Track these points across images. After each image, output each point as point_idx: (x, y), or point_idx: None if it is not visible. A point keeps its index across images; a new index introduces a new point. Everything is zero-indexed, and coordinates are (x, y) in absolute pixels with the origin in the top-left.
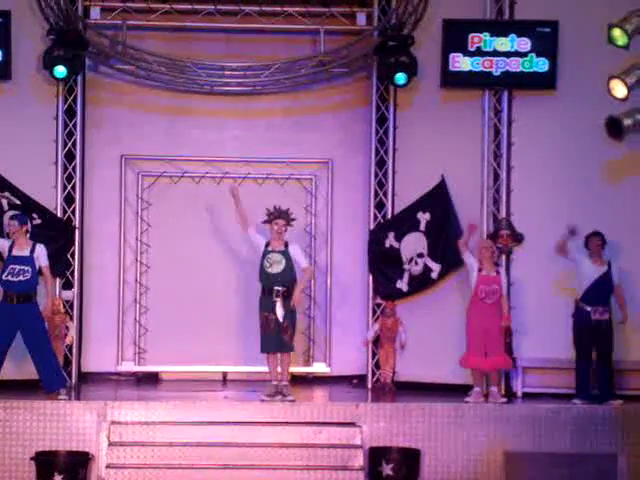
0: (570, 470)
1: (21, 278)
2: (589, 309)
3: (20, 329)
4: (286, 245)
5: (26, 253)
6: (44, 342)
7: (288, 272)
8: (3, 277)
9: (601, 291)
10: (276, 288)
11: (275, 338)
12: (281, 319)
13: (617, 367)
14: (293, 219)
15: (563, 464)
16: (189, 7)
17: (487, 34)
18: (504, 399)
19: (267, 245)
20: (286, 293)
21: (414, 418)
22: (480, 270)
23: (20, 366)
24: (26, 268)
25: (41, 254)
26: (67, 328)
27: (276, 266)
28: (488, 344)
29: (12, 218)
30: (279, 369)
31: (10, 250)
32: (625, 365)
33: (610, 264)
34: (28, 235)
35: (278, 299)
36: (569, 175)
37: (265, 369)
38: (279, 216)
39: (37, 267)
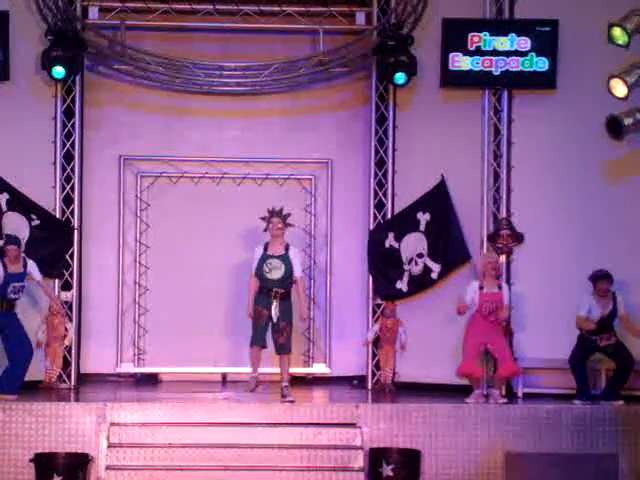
0: (571, 471)
1: (21, 294)
2: (594, 338)
3: (2, 333)
4: (286, 248)
5: (20, 269)
6: (23, 344)
7: (288, 277)
8: (8, 295)
9: (606, 324)
10: (275, 289)
11: (264, 332)
12: (275, 319)
13: None
14: (289, 217)
15: (564, 465)
16: (188, 7)
17: (487, 33)
18: (504, 400)
19: (265, 248)
20: (284, 295)
21: (414, 419)
22: (481, 288)
23: None
24: (23, 284)
25: (34, 269)
26: (66, 329)
27: (275, 272)
28: (497, 354)
29: (10, 242)
30: (271, 369)
31: (5, 267)
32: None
33: (615, 298)
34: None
35: (275, 300)
36: (569, 175)
37: (266, 370)
38: (273, 215)
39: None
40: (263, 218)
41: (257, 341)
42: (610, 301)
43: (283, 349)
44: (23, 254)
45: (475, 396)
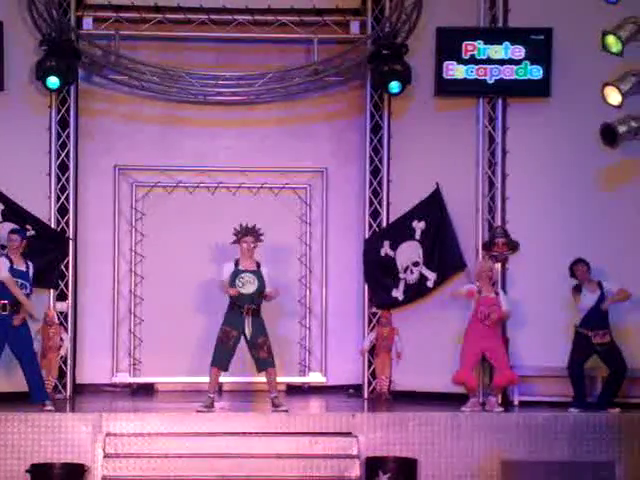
0: (567, 479)
1: (24, 292)
2: (589, 334)
3: (7, 338)
4: (258, 266)
5: (23, 268)
6: (30, 351)
7: (260, 291)
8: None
9: (599, 315)
10: (247, 306)
11: (230, 354)
12: (249, 336)
13: None
14: (261, 235)
15: (560, 473)
16: (182, 17)
17: (481, 42)
18: (501, 408)
19: (236, 264)
20: (255, 311)
21: (411, 428)
22: (479, 292)
23: (11, 378)
24: (25, 283)
25: (31, 270)
26: (61, 339)
27: (249, 286)
28: (493, 361)
29: (13, 232)
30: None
31: (10, 262)
32: (628, 373)
33: (601, 285)
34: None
35: (247, 317)
36: (564, 182)
37: (260, 379)
38: (246, 234)
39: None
40: (237, 233)
41: (219, 362)
42: (597, 288)
43: (267, 364)
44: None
45: (471, 404)
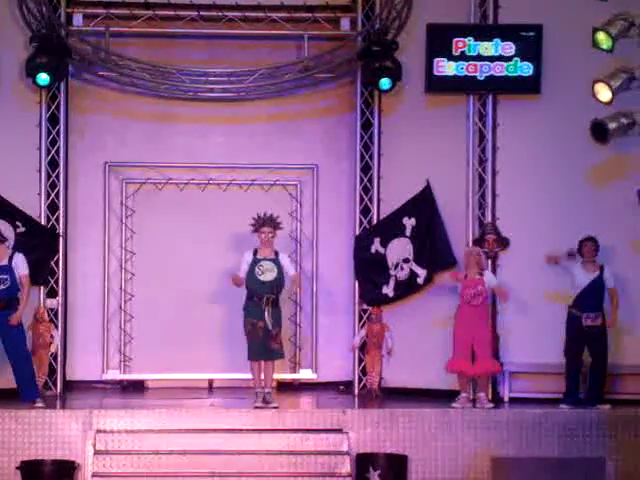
0: (558, 475)
1: (1, 287)
2: (580, 315)
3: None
4: (276, 254)
5: (4, 262)
6: (22, 350)
7: (280, 280)
8: None
9: (592, 297)
10: (266, 296)
11: (263, 345)
12: (270, 326)
13: (610, 371)
14: (279, 224)
15: (551, 469)
16: (172, 13)
17: (471, 38)
18: (491, 404)
19: (255, 253)
20: (275, 301)
21: (401, 424)
22: (465, 277)
23: (1, 374)
24: (5, 277)
25: (19, 262)
26: (52, 336)
27: (269, 274)
28: (476, 349)
29: None
30: (262, 375)
31: None
32: (618, 369)
33: (603, 268)
34: (8, 246)
35: (267, 307)
36: (554, 179)
37: (249, 376)
38: (264, 223)
39: (17, 275)
40: (255, 223)
41: (256, 354)
42: (597, 270)
43: (278, 355)
44: (11, 249)
45: (462, 400)
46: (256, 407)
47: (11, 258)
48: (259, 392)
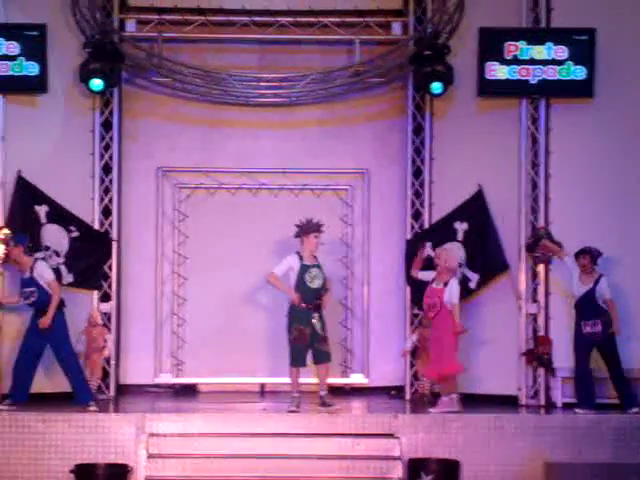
0: None
1: (32, 299)
2: (580, 323)
3: (48, 342)
4: (316, 258)
5: (27, 274)
6: (65, 353)
7: (324, 284)
8: (22, 302)
9: (587, 307)
10: (315, 302)
11: (313, 350)
12: (320, 331)
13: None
14: (323, 227)
15: (604, 474)
16: (224, 19)
17: (524, 42)
18: (460, 408)
19: (301, 259)
20: (320, 305)
21: (453, 429)
22: (433, 281)
23: (53, 378)
24: (32, 289)
25: (41, 271)
26: (105, 341)
27: (317, 281)
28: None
29: (9, 239)
30: (312, 379)
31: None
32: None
33: (599, 280)
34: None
35: (316, 312)
36: (609, 183)
37: (304, 380)
38: (314, 229)
39: (42, 284)
40: (307, 228)
41: (299, 362)
42: (592, 280)
43: (328, 358)
44: (30, 256)
45: (452, 402)
46: (290, 411)
47: (32, 269)
48: (295, 397)
